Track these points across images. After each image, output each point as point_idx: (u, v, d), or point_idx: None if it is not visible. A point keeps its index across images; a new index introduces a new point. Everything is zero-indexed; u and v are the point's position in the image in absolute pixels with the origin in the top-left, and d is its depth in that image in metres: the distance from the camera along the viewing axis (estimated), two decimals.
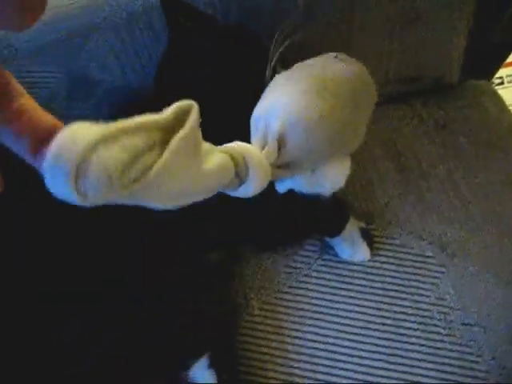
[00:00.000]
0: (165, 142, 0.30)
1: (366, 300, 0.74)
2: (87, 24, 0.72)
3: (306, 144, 0.46)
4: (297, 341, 0.72)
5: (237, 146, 0.41)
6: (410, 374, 0.69)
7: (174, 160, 0.29)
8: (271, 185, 0.45)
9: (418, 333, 0.72)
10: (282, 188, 0.57)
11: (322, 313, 0.73)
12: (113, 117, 0.79)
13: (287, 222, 0.74)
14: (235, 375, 0.70)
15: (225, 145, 0.40)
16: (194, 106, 0.32)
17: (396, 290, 0.74)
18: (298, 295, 0.75)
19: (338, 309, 0.73)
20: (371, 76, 0.85)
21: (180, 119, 0.31)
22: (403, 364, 0.70)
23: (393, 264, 0.76)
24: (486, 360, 0.69)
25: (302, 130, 0.45)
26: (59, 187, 0.24)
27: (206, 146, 0.36)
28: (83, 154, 0.24)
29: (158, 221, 0.58)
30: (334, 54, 0.53)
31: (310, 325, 0.73)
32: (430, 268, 0.76)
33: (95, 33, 0.73)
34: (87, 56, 0.75)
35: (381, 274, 0.75)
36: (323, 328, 0.73)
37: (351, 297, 0.74)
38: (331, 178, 0.63)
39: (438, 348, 0.71)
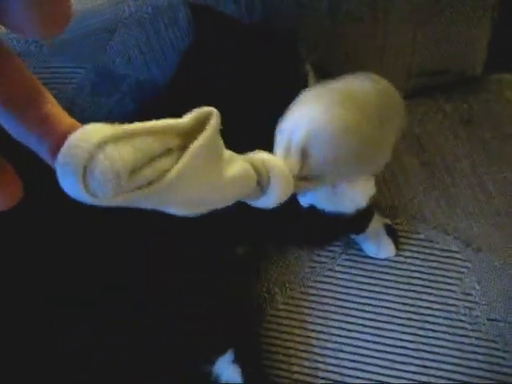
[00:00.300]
0: (183, 148, 0.29)
1: (390, 295, 0.74)
2: (113, 19, 0.72)
3: (329, 155, 0.46)
4: (321, 335, 0.72)
5: (259, 155, 0.41)
6: (436, 369, 0.69)
7: (192, 166, 0.29)
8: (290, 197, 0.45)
9: (443, 328, 0.71)
10: (304, 202, 0.57)
11: (346, 307, 0.73)
12: (137, 111, 0.80)
13: (304, 234, 0.74)
14: (260, 369, 0.70)
15: (247, 154, 0.40)
16: (214, 112, 0.31)
17: (421, 285, 0.74)
18: (322, 290, 0.75)
19: (362, 303, 0.73)
20: (395, 70, 0.86)
21: (200, 125, 0.31)
22: (428, 359, 0.70)
23: (418, 259, 0.76)
24: None
25: (326, 140, 0.45)
26: (69, 186, 0.24)
27: (228, 153, 0.36)
28: (91, 152, 0.24)
29: (162, 227, 0.58)
30: (364, 73, 0.52)
31: (334, 319, 0.73)
32: (455, 263, 0.75)
33: (121, 28, 0.73)
34: (112, 51, 0.75)
35: (406, 269, 0.75)
36: (348, 323, 0.73)
37: (376, 291, 0.74)
38: (352, 197, 0.63)
39: (464, 343, 0.70)
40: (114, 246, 0.65)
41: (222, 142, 0.34)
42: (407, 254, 0.76)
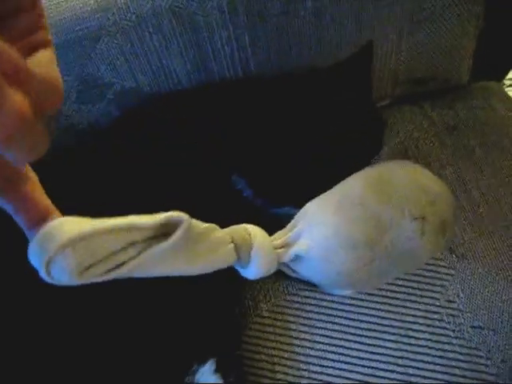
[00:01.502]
0: (151, 239, 0.34)
1: (374, 302, 0.74)
2: (97, 26, 0.73)
3: (314, 276, 0.47)
4: (305, 343, 0.72)
5: (249, 235, 0.45)
6: (419, 376, 0.69)
7: (152, 261, 0.34)
8: None
9: (426, 335, 0.71)
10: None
11: (330, 315, 0.73)
12: (122, 120, 0.80)
13: None
14: (242, 379, 0.70)
15: (242, 227, 0.45)
16: (184, 219, 0.35)
17: (404, 293, 0.74)
18: (306, 297, 0.75)
19: (346, 311, 0.73)
20: (381, 77, 0.86)
21: (169, 225, 0.35)
22: (411, 367, 0.70)
23: None
24: (496, 363, 0.69)
25: (313, 266, 0.46)
26: (37, 269, 0.30)
27: (216, 237, 0.40)
28: (53, 253, 0.29)
29: None
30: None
31: (318, 327, 0.73)
32: (438, 270, 0.75)
33: (105, 36, 0.73)
34: (97, 59, 0.75)
35: None
36: (332, 330, 0.72)
37: (359, 299, 0.74)
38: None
39: (447, 351, 0.70)
40: None
41: (197, 236, 0.38)
42: None
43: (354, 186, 0.51)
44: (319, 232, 0.48)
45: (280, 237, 0.49)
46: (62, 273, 0.30)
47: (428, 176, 0.55)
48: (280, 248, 0.47)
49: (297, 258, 0.47)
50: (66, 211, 0.62)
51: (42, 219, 0.31)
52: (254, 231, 0.45)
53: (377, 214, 0.49)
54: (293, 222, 0.50)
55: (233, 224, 0.48)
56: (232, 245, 0.42)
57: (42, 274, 0.30)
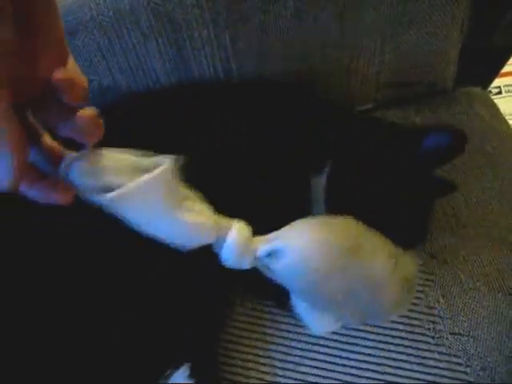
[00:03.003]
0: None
1: None
2: (73, 22, 0.71)
3: (290, 271, 0.47)
4: (282, 348, 0.70)
5: (231, 221, 0.45)
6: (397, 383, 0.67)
7: (135, 193, 0.37)
8: None
9: (406, 342, 0.70)
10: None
11: None
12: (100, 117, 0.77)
13: None
14: (216, 383, 0.68)
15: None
16: (169, 159, 0.39)
17: None
18: None
19: None
20: (364, 80, 0.85)
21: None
22: (390, 374, 0.68)
23: None
24: (475, 370, 0.67)
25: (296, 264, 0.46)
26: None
27: (200, 206, 0.42)
28: (71, 160, 0.40)
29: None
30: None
31: (296, 332, 0.71)
32: (419, 276, 0.74)
33: (82, 31, 0.72)
34: (74, 55, 0.73)
35: None
36: (309, 336, 0.71)
37: None
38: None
39: (427, 358, 0.69)
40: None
41: (183, 196, 0.41)
42: None
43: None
44: (298, 233, 0.48)
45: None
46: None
47: None
48: (259, 242, 0.47)
49: (273, 254, 0.46)
50: None
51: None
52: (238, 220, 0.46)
53: (358, 240, 0.49)
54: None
55: None
56: (213, 220, 0.43)
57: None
